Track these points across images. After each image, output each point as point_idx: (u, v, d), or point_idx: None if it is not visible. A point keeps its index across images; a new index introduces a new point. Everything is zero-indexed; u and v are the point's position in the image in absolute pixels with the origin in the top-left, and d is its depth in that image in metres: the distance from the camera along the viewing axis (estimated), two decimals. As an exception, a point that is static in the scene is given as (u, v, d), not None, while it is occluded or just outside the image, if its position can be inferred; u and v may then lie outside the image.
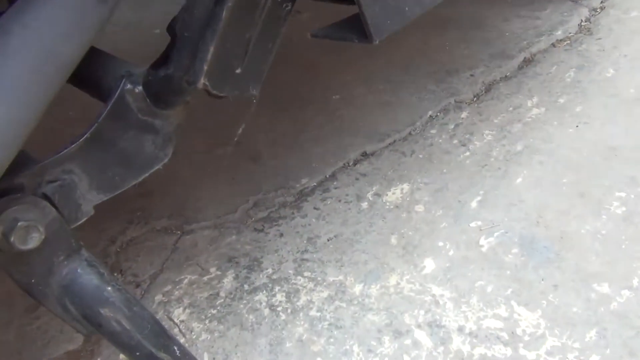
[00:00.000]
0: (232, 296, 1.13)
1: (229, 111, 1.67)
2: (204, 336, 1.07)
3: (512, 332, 0.97)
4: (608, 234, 1.11)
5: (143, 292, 1.18)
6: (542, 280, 1.04)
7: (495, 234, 1.15)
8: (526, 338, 0.96)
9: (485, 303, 1.02)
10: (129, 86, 0.67)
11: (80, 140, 0.65)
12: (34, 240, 0.60)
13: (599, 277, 1.03)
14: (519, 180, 1.27)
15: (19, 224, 0.59)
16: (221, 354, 1.03)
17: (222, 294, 1.14)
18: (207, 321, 1.09)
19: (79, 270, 0.67)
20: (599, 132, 1.36)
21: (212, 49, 0.61)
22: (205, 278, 1.19)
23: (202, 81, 0.62)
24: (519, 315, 1.00)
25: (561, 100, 1.49)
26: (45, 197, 0.63)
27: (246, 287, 1.15)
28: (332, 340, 1.01)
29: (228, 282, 1.17)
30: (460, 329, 0.99)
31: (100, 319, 0.67)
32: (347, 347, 1.00)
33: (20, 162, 0.62)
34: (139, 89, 0.68)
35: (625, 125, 1.36)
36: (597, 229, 1.12)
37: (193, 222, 1.34)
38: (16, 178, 0.61)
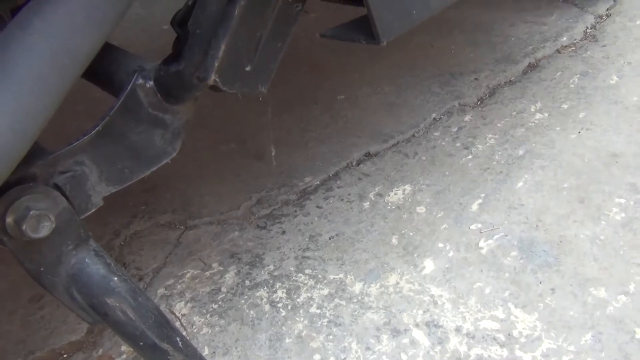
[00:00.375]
0: (233, 291, 1.15)
1: (234, 109, 1.69)
2: (204, 330, 1.08)
3: (509, 334, 0.98)
4: (606, 239, 1.12)
5: (146, 286, 1.20)
6: (540, 283, 1.06)
7: (495, 237, 1.17)
8: (522, 340, 0.97)
9: (483, 304, 1.04)
10: (140, 81, 0.69)
11: (92, 132, 0.66)
12: (45, 229, 0.62)
13: (596, 281, 1.04)
14: (520, 184, 1.29)
15: (30, 212, 0.60)
16: (221, 348, 1.04)
17: (223, 289, 1.16)
18: (208, 315, 1.11)
19: (87, 260, 0.68)
20: (601, 139, 1.37)
21: (223, 47, 0.62)
22: (207, 273, 1.20)
23: (213, 77, 0.63)
24: (516, 317, 1.01)
25: (564, 106, 1.51)
26: (57, 187, 0.64)
27: (247, 282, 1.16)
28: (331, 337, 1.03)
29: (230, 277, 1.18)
30: (458, 329, 1.00)
31: (106, 308, 0.69)
32: (346, 344, 1.01)
33: (33, 152, 0.63)
34: (150, 84, 0.69)
35: (627, 133, 1.38)
36: (596, 234, 1.13)
37: (196, 218, 1.35)
38: (29, 168, 0.63)
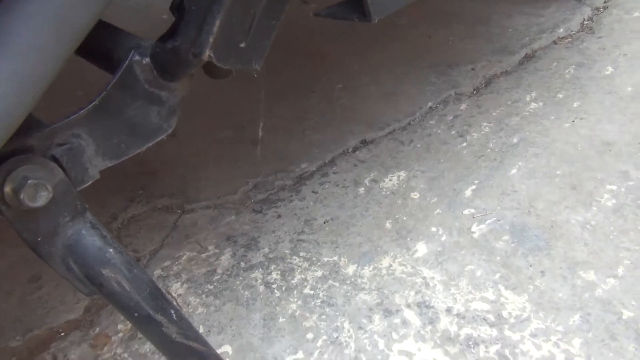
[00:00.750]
0: (228, 273, 1.16)
1: (231, 96, 1.70)
2: (200, 310, 1.10)
3: (499, 314, 1.00)
4: (597, 224, 1.13)
5: (143, 267, 1.21)
6: (530, 266, 1.07)
7: (487, 222, 1.18)
8: (512, 320, 0.99)
9: (473, 286, 1.05)
10: (137, 57, 0.70)
11: (89, 106, 0.68)
12: (42, 198, 0.63)
13: (586, 265, 1.06)
14: (514, 171, 1.30)
15: (28, 181, 0.61)
16: (216, 326, 1.06)
17: (219, 270, 1.17)
18: (203, 296, 1.12)
19: (83, 232, 0.69)
20: (595, 128, 1.39)
21: (218, 22, 0.63)
22: (203, 255, 1.22)
23: (208, 53, 0.64)
24: (506, 298, 1.03)
25: (559, 96, 1.52)
26: (54, 159, 0.65)
27: (243, 264, 1.18)
28: (324, 317, 1.05)
29: (225, 259, 1.20)
30: (449, 310, 1.02)
31: (102, 279, 0.70)
32: (339, 323, 1.03)
33: (30, 125, 0.65)
34: (147, 60, 0.70)
35: (620, 122, 1.39)
36: (587, 220, 1.15)
37: (193, 202, 1.37)
38: (26, 139, 0.64)
